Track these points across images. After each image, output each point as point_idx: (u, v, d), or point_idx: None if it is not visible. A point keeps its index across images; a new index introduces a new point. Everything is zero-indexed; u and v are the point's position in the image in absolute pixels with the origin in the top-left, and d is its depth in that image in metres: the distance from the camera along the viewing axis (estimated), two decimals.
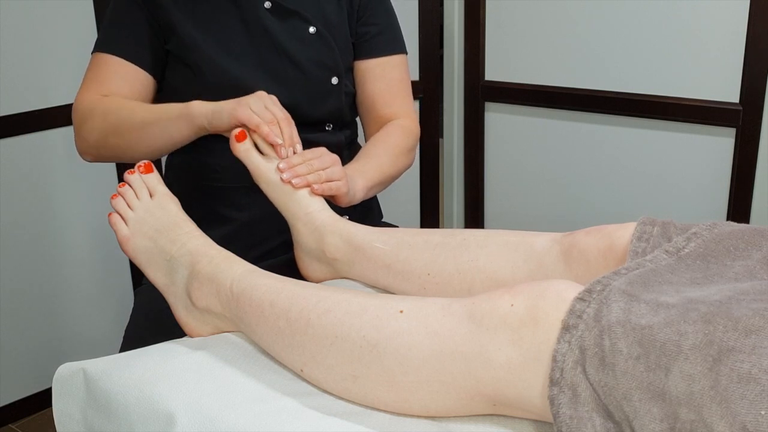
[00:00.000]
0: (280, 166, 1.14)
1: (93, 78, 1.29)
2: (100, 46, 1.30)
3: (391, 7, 1.45)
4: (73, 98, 1.30)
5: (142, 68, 1.29)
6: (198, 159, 1.32)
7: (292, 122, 1.17)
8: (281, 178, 1.13)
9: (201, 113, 1.17)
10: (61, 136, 2.05)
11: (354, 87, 1.42)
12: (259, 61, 1.29)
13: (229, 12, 1.29)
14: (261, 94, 1.17)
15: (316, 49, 1.32)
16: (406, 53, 1.46)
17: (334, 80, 1.35)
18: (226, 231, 1.32)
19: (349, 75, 1.40)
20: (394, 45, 1.43)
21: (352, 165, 1.29)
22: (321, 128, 1.37)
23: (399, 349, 0.83)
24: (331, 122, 1.38)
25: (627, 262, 0.86)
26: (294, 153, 1.16)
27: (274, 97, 1.18)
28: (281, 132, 1.14)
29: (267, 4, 1.30)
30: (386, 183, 1.35)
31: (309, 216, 1.15)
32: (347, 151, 1.43)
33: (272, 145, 1.14)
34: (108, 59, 1.28)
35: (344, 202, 1.20)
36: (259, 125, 1.13)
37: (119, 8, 1.29)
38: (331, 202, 1.20)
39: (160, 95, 1.35)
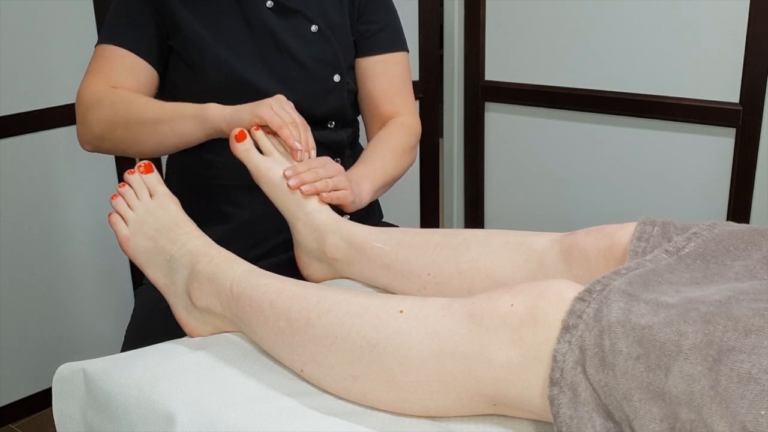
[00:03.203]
0: (286, 173, 1.14)
1: (98, 68, 1.28)
2: (106, 38, 1.29)
3: (392, 4, 1.45)
4: (74, 98, 1.30)
5: (147, 62, 1.29)
6: (199, 156, 1.32)
7: (308, 128, 1.18)
8: (288, 184, 1.13)
9: (218, 116, 1.17)
10: (61, 136, 2.05)
11: (355, 85, 1.42)
12: (262, 59, 1.30)
13: (232, 10, 1.29)
14: (280, 98, 1.18)
15: (318, 47, 1.33)
16: (408, 51, 1.46)
17: (336, 78, 1.35)
18: (226, 229, 1.32)
19: (350, 72, 1.40)
20: (395, 42, 1.43)
21: (357, 168, 1.29)
22: (323, 126, 1.37)
23: (399, 349, 0.83)
24: (334, 120, 1.38)
25: (627, 262, 0.86)
26: (309, 158, 1.17)
27: (291, 104, 1.19)
28: (299, 136, 1.15)
29: (269, 3, 1.30)
30: (391, 184, 1.35)
31: (308, 215, 1.15)
32: (349, 150, 1.43)
33: (290, 149, 1.15)
34: (114, 50, 1.27)
35: (350, 210, 1.21)
36: (281, 126, 1.13)
37: (123, 2, 1.29)
38: (338, 207, 1.20)
39: (162, 91, 1.35)
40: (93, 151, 1.31)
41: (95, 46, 1.30)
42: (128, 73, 1.28)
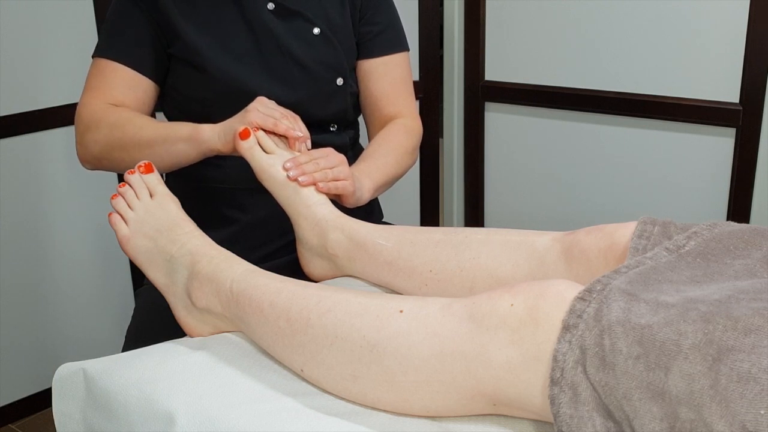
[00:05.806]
0: (287, 164, 1.14)
1: (97, 85, 1.28)
2: (103, 51, 1.28)
3: (393, 4, 1.44)
4: (73, 98, 1.30)
5: (145, 76, 1.28)
6: (202, 160, 1.32)
7: (298, 117, 1.19)
8: (288, 175, 1.14)
9: (211, 137, 1.17)
10: (61, 136, 2.05)
11: (357, 86, 1.42)
12: (264, 62, 1.29)
13: (232, 14, 1.29)
14: (262, 99, 1.18)
15: (321, 50, 1.32)
16: (409, 50, 1.45)
17: (339, 81, 1.35)
18: (229, 232, 1.32)
19: (352, 75, 1.40)
20: (397, 43, 1.43)
21: (358, 166, 1.29)
22: (325, 129, 1.37)
23: (399, 349, 0.83)
24: (336, 123, 1.38)
25: (627, 260, 0.86)
26: (308, 149, 1.17)
27: (273, 101, 1.19)
28: (295, 126, 1.16)
29: (270, 6, 1.29)
30: (391, 183, 1.35)
31: (309, 209, 1.15)
32: (351, 152, 1.43)
33: (288, 139, 1.16)
34: (112, 66, 1.27)
35: (351, 203, 1.20)
36: (277, 123, 1.14)
37: (120, 11, 1.28)
38: (338, 202, 1.20)
39: (164, 98, 1.34)
40: (92, 170, 1.31)
41: (92, 57, 1.30)
42: (127, 90, 1.27)
